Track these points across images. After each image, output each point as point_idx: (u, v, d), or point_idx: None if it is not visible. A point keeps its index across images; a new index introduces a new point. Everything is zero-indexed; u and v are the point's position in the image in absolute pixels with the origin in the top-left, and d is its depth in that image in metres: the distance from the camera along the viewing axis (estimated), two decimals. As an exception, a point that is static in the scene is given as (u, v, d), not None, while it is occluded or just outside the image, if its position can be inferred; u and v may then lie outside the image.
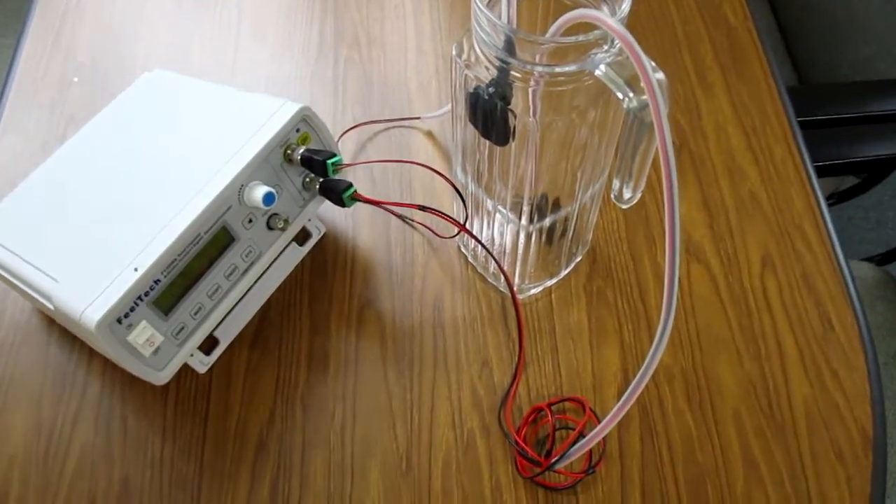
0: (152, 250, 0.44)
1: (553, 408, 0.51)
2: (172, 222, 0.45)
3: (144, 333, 0.45)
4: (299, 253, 0.57)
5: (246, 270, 0.51)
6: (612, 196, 0.44)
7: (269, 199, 0.48)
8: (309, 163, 0.49)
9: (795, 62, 0.96)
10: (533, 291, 0.56)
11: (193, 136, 0.51)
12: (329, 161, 0.48)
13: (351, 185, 0.50)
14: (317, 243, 0.58)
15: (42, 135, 0.64)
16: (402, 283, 0.57)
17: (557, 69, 0.37)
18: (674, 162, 0.34)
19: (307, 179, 0.51)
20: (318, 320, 0.55)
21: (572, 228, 0.53)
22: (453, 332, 0.55)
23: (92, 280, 0.44)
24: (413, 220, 0.59)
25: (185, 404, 0.52)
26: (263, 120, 0.49)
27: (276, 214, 0.51)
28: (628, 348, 0.53)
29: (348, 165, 0.49)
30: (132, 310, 0.44)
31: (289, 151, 0.50)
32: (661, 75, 0.37)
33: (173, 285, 0.46)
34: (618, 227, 0.58)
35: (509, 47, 0.38)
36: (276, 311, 0.56)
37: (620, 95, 0.37)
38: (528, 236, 0.51)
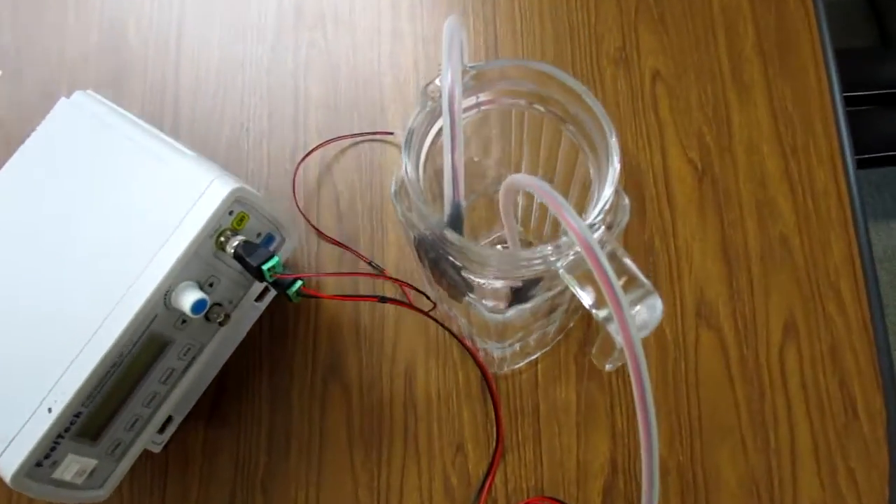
0: (66, 386, 0.39)
1: (530, 511, 0.47)
2: (88, 348, 0.39)
3: (72, 467, 0.41)
4: (256, 310, 0.51)
5: (186, 368, 0.45)
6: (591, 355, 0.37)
7: (198, 307, 0.41)
8: (242, 262, 0.42)
9: (882, 18, 0.79)
10: (517, 364, 0.49)
11: (111, 213, 0.43)
12: (265, 267, 0.41)
13: (297, 280, 0.43)
14: (276, 297, 0.52)
15: (-32, 149, 0.57)
16: (371, 348, 0.51)
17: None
18: (655, 432, 0.26)
19: (249, 261, 0.44)
20: (279, 393, 0.50)
21: (566, 305, 0.45)
22: (426, 409, 0.49)
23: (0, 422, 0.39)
24: (385, 271, 0.52)
25: (141, 486, 0.49)
26: (189, 204, 0.41)
27: (214, 306, 0.44)
28: (619, 436, 0.48)
29: (288, 276, 0.41)
30: (53, 449, 0.40)
31: (222, 239, 0.42)
32: (657, 303, 0.28)
33: (98, 411, 0.41)
34: (619, 281, 0.50)
35: (454, 223, 0.29)
36: (233, 379, 0.51)
37: (585, 303, 0.28)
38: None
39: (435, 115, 0.29)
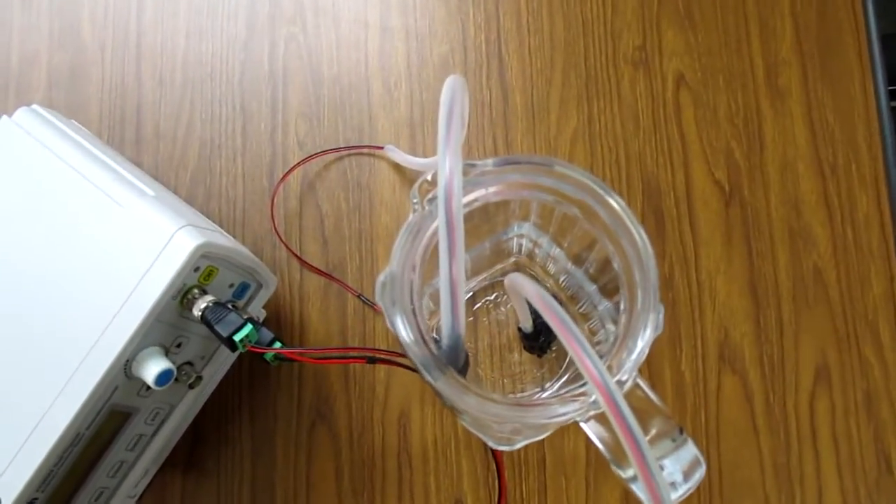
0: (16, 476, 0.34)
1: (535, 576, 0.43)
2: (38, 432, 0.35)
3: (30, 554, 0.37)
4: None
5: (156, 432, 0.41)
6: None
7: (163, 378, 0.36)
8: (211, 329, 0.36)
9: None
10: (520, 413, 0.45)
11: (57, 271, 0.37)
12: (238, 338, 0.36)
13: (276, 340, 0.38)
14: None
15: None
16: (361, 392, 0.46)
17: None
18: None
19: (221, 316, 0.39)
20: (261, 439, 0.46)
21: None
22: (422, 461, 0.45)
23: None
24: (375, 307, 0.47)
25: (114, 542, 0.46)
26: (149, 261, 0.36)
27: (184, 365, 0.40)
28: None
29: (263, 350, 0.36)
30: (7, 539, 0.36)
31: (189, 298, 0.37)
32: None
33: (57, 492, 0.37)
34: (634, 318, 0.46)
35: (453, 359, 0.24)
36: (210, 424, 0.46)
37: (605, 456, 0.23)
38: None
39: (427, 222, 0.23)
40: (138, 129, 0.50)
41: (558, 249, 0.36)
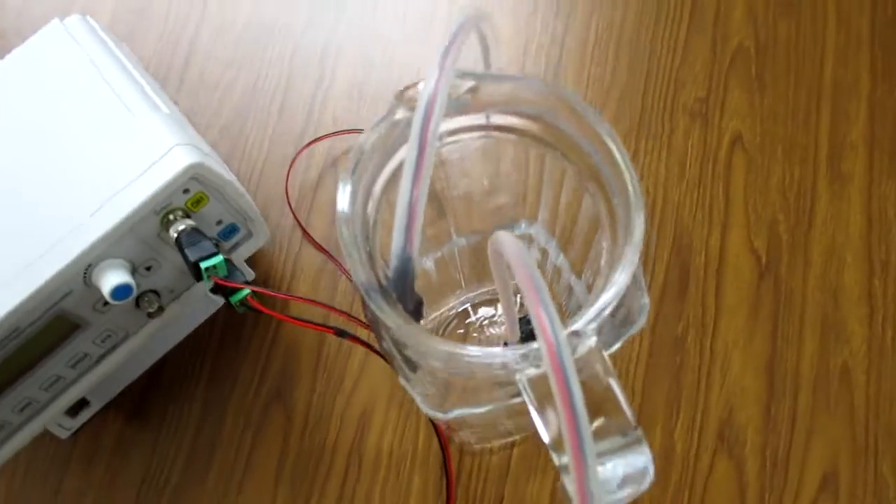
0: (-60, 353, 0.33)
1: None
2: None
3: (-63, 441, 0.35)
4: (212, 305, 0.44)
5: (104, 356, 0.39)
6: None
7: (120, 292, 0.34)
8: (181, 251, 0.35)
9: None
10: (488, 443, 0.41)
11: (56, 161, 0.36)
12: (204, 265, 0.34)
13: (245, 288, 0.35)
14: (238, 295, 0.45)
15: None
16: (329, 380, 0.43)
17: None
18: None
19: (201, 252, 0.37)
20: (213, 404, 0.43)
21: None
22: (372, 468, 0.42)
23: None
24: (366, 293, 0.44)
25: (37, 473, 0.43)
26: (140, 170, 0.34)
27: (148, 292, 0.37)
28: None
29: (230, 284, 0.34)
30: (-84, 417, 0.34)
31: (171, 218, 0.35)
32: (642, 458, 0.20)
33: (-19, 385, 0.35)
34: (633, 371, 0.42)
35: (399, 284, 0.21)
36: (167, 376, 0.44)
37: (542, 437, 0.20)
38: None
39: (405, 130, 0.21)
40: (184, 72, 0.49)
41: (563, 258, 0.33)
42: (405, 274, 0.21)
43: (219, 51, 0.50)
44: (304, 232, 0.46)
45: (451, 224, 0.33)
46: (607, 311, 0.19)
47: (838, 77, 0.46)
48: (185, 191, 0.35)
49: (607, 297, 0.19)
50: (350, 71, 0.49)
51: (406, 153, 0.20)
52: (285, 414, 0.43)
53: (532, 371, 0.19)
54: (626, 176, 0.21)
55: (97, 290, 0.35)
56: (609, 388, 0.20)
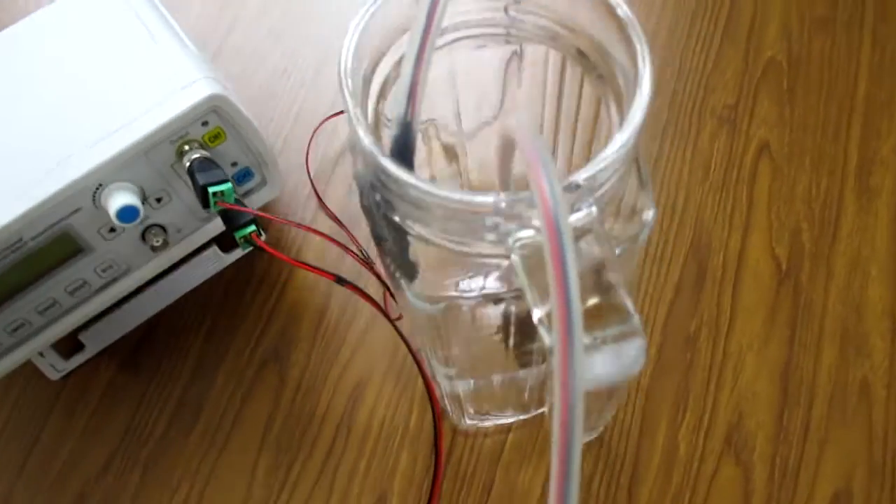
0: (-60, 250, 0.32)
1: None
2: (-17, 215, 0.33)
3: (-77, 346, 0.34)
4: (220, 262, 0.44)
5: (103, 288, 0.38)
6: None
7: (126, 214, 0.34)
8: (192, 179, 0.34)
9: None
10: (483, 423, 0.39)
11: (85, 84, 0.36)
12: (213, 190, 0.33)
13: (252, 223, 0.35)
14: (245, 255, 0.44)
15: None
16: (326, 349, 0.42)
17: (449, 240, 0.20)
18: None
19: (213, 190, 0.37)
20: (208, 360, 0.42)
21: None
22: (360, 439, 0.40)
23: None
24: (376, 265, 0.44)
25: (18, 416, 0.42)
26: (162, 97, 0.35)
27: (155, 226, 0.37)
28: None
29: (237, 208, 0.34)
30: None
31: (185, 148, 0.35)
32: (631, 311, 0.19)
33: (-24, 295, 0.34)
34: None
35: (401, 150, 0.20)
36: (165, 330, 0.43)
37: (534, 316, 0.19)
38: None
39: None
40: (227, 36, 0.51)
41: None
42: (406, 143, 0.20)
43: (263, 20, 0.51)
44: (319, 200, 0.45)
45: (463, 172, 0.32)
46: (608, 170, 0.18)
47: (871, 95, 0.46)
48: (204, 123, 0.35)
49: (609, 151, 0.18)
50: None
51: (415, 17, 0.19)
52: (279, 377, 0.42)
53: (525, 235, 0.18)
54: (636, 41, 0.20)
55: (105, 214, 0.35)
56: (607, 273, 0.19)
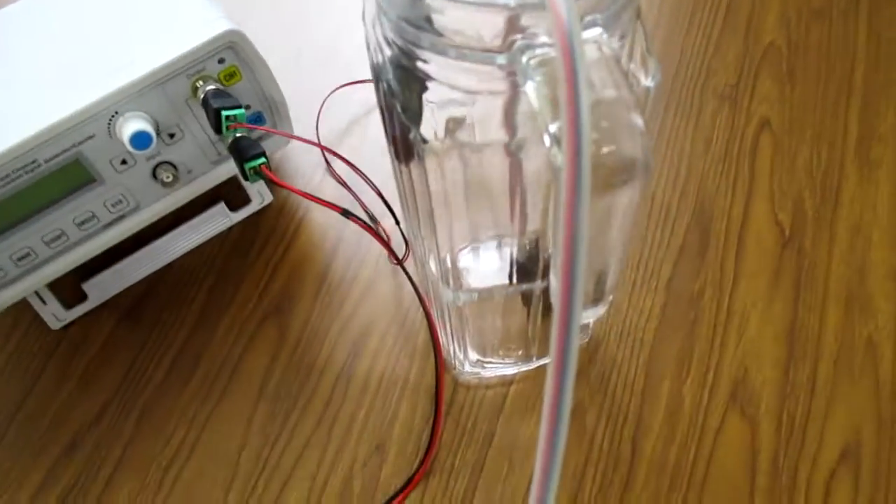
0: (-43, 164, 0.33)
1: (431, 552, 0.35)
2: (2, 132, 0.34)
3: (-71, 264, 0.34)
4: (226, 221, 0.44)
5: (110, 224, 0.38)
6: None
7: (139, 140, 0.35)
8: (206, 107, 0.35)
9: None
10: (484, 373, 0.39)
11: (90, 41, 0.38)
12: (226, 114, 0.34)
13: (262, 155, 0.36)
14: (252, 215, 0.45)
15: None
16: (328, 304, 0.42)
17: (463, 62, 0.20)
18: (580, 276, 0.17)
19: (225, 130, 0.38)
20: (210, 312, 0.42)
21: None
22: (359, 390, 0.39)
23: None
24: (379, 225, 0.44)
25: (16, 362, 0.42)
26: (181, 33, 0.36)
27: (166, 163, 0.38)
28: (585, 502, 0.36)
29: (250, 127, 0.35)
30: (-82, 231, 0.34)
31: (200, 83, 0.36)
32: (638, 121, 0.19)
33: (-13, 216, 0.35)
34: (643, 326, 0.40)
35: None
36: (168, 285, 0.43)
37: (545, 138, 0.19)
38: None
39: None
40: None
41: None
42: None
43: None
44: (328, 163, 0.46)
45: None
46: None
47: (868, 78, 0.47)
48: (221, 61, 0.36)
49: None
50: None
51: None
52: (279, 330, 0.41)
53: (536, 53, 0.18)
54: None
55: (119, 145, 0.36)
56: (618, 68, 0.19)
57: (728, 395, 0.38)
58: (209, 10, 0.37)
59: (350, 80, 0.49)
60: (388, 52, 0.22)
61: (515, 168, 0.24)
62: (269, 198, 0.45)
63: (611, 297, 0.26)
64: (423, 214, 0.27)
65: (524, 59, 0.19)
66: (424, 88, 0.22)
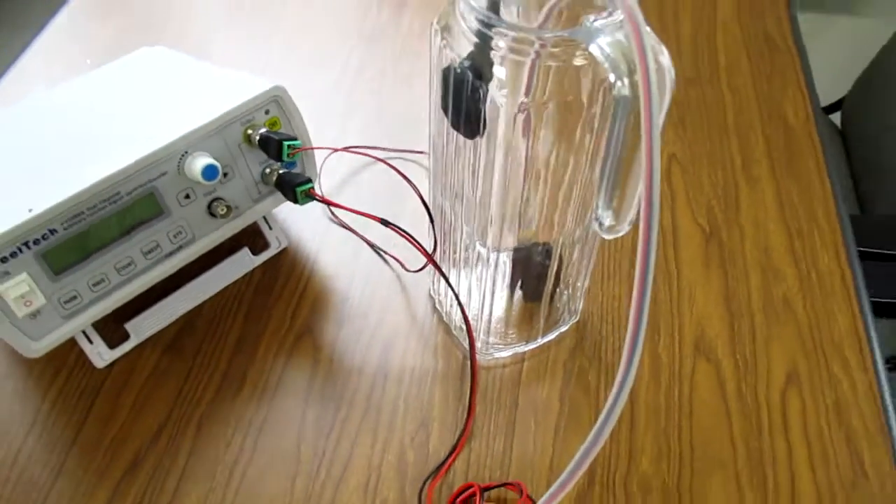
0: (53, 194, 0.38)
1: (488, 493, 0.41)
2: (88, 168, 0.39)
3: (21, 287, 0.38)
4: (250, 262, 0.50)
5: (171, 253, 0.44)
6: (594, 224, 0.36)
7: (210, 172, 0.41)
8: (265, 144, 0.43)
9: (860, 194, 0.87)
10: (501, 355, 0.46)
11: (159, 103, 0.46)
12: (286, 142, 0.42)
13: (309, 181, 0.43)
14: (273, 258, 0.51)
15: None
16: (354, 318, 0.48)
17: (546, 34, 0.30)
18: (657, 171, 0.26)
19: (267, 171, 0.45)
20: (247, 338, 0.47)
21: (565, 288, 0.44)
22: (397, 382, 0.45)
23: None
24: (386, 253, 0.52)
25: (67, 399, 0.44)
26: (236, 93, 0.44)
27: (220, 199, 0.44)
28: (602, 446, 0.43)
29: (305, 149, 0.43)
30: (14, 255, 0.38)
31: (250, 131, 0.44)
32: (665, 59, 0.30)
33: (73, 242, 0.39)
34: (619, 305, 0.49)
35: (493, 5, 0.31)
36: (204, 320, 0.48)
37: (612, 77, 0.29)
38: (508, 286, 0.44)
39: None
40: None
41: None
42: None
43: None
44: (332, 212, 0.54)
45: None
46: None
47: (738, 120, 0.62)
48: (266, 111, 0.45)
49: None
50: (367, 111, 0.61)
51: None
52: (314, 345, 0.47)
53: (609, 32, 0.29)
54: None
55: (185, 180, 0.42)
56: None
57: (693, 348, 0.47)
58: (251, 76, 0.46)
59: (336, 147, 0.58)
60: (471, 39, 0.32)
61: (527, 123, 0.33)
62: (285, 242, 0.52)
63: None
64: (488, 184, 0.35)
65: (596, 38, 0.29)
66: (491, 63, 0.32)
